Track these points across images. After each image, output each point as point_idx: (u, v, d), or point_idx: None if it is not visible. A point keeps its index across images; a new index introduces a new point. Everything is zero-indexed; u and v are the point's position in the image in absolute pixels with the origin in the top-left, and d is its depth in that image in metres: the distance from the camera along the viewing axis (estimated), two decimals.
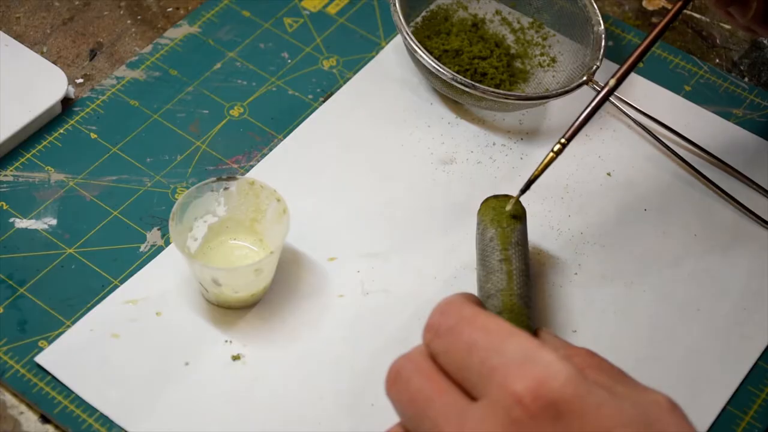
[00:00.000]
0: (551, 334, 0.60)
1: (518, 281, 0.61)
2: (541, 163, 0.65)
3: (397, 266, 0.68)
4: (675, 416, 0.51)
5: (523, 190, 0.65)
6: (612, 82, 0.66)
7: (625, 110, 0.76)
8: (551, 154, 0.65)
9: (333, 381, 0.63)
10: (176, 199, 0.70)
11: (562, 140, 0.65)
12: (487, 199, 0.65)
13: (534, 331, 0.60)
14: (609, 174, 0.73)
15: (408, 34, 0.73)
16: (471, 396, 0.50)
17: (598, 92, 0.66)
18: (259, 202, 0.67)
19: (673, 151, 0.74)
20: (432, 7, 0.79)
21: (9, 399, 0.63)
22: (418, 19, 0.78)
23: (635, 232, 0.71)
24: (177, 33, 0.79)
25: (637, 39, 0.81)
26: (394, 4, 0.74)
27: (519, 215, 0.64)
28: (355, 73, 0.78)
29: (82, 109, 0.75)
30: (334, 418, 0.62)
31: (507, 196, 0.65)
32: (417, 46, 0.73)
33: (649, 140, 0.75)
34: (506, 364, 0.49)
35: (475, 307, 0.53)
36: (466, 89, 0.72)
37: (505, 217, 0.64)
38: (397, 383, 0.52)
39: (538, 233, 0.70)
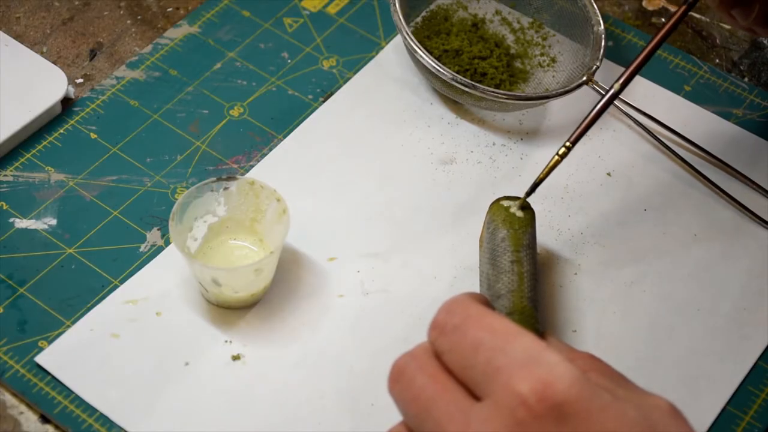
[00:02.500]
0: (555, 338, 0.60)
1: (529, 284, 0.61)
2: (546, 166, 0.65)
3: (397, 266, 0.68)
4: (677, 420, 0.51)
5: (528, 193, 0.65)
6: (617, 86, 0.66)
7: (625, 110, 0.76)
8: (556, 157, 0.65)
9: (333, 381, 0.63)
10: (176, 199, 0.70)
11: (567, 144, 0.65)
12: (498, 200, 0.65)
13: (541, 335, 0.60)
14: (609, 174, 0.73)
15: (408, 34, 0.73)
16: (475, 396, 0.50)
17: (603, 96, 0.66)
18: (259, 202, 0.67)
19: (673, 151, 0.74)
20: (432, 7, 0.79)
21: (9, 399, 0.63)
22: (418, 19, 0.78)
23: (635, 232, 0.71)
24: (177, 33, 0.79)
25: (637, 39, 0.81)
26: (394, 4, 0.74)
27: (529, 218, 0.64)
28: (355, 73, 0.78)
29: (82, 109, 0.75)
30: (334, 418, 0.62)
31: (518, 198, 0.65)
32: (417, 46, 0.73)
33: (649, 140, 0.75)
34: (511, 364, 0.49)
35: (481, 306, 0.52)
36: (466, 89, 0.72)
37: (516, 218, 0.64)
38: (400, 381, 0.52)
39: (538, 233, 0.69)
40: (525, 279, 0.61)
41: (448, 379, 0.51)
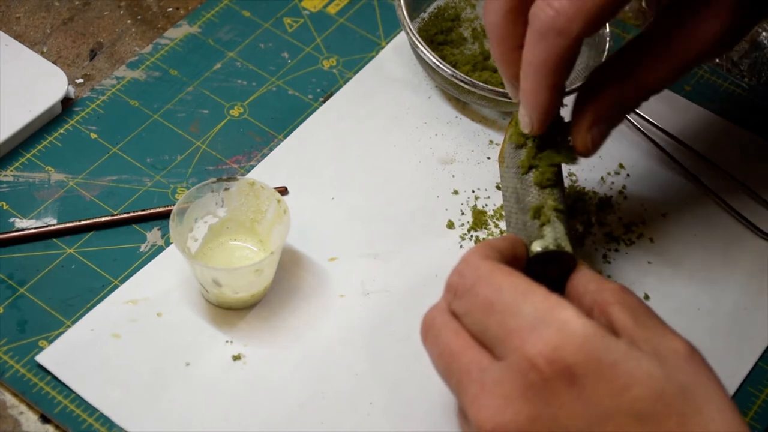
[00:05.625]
0: (586, 266, 0.59)
1: (559, 196, 0.61)
2: None
3: (397, 266, 0.68)
4: (693, 364, 0.51)
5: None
6: None
7: None
8: None
9: (333, 381, 0.63)
10: (176, 199, 0.70)
11: None
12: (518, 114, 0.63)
13: (573, 253, 0.59)
14: (609, 174, 0.73)
15: (411, 29, 0.73)
16: (495, 354, 0.51)
17: None
18: (259, 202, 0.67)
19: (673, 156, 0.74)
20: (440, 3, 0.79)
21: (9, 399, 0.63)
22: (424, 15, 0.78)
23: (635, 232, 0.71)
24: (177, 33, 0.79)
25: None
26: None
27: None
28: (355, 73, 0.78)
29: (82, 109, 0.75)
30: (334, 417, 0.62)
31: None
32: (419, 41, 0.73)
33: (649, 141, 0.75)
34: (522, 327, 0.50)
35: (491, 264, 0.53)
36: (467, 87, 0.72)
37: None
38: (429, 335, 0.54)
39: None
40: (555, 190, 0.61)
41: (468, 337, 0.53)
